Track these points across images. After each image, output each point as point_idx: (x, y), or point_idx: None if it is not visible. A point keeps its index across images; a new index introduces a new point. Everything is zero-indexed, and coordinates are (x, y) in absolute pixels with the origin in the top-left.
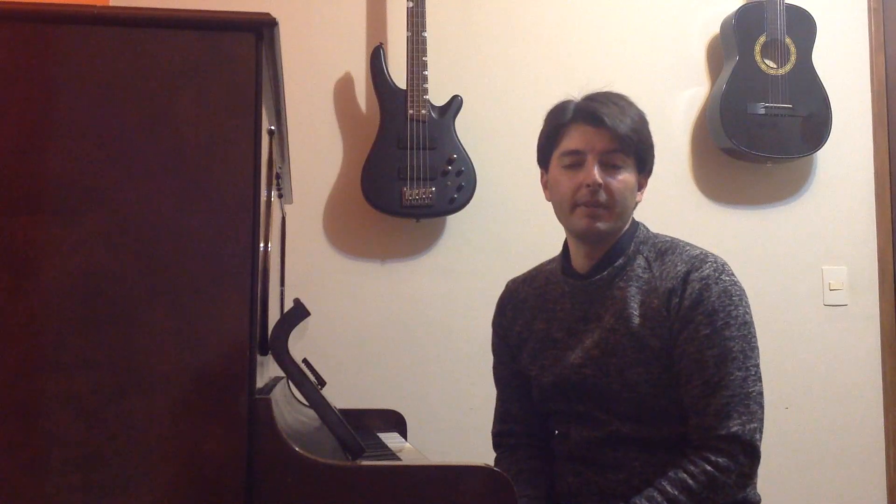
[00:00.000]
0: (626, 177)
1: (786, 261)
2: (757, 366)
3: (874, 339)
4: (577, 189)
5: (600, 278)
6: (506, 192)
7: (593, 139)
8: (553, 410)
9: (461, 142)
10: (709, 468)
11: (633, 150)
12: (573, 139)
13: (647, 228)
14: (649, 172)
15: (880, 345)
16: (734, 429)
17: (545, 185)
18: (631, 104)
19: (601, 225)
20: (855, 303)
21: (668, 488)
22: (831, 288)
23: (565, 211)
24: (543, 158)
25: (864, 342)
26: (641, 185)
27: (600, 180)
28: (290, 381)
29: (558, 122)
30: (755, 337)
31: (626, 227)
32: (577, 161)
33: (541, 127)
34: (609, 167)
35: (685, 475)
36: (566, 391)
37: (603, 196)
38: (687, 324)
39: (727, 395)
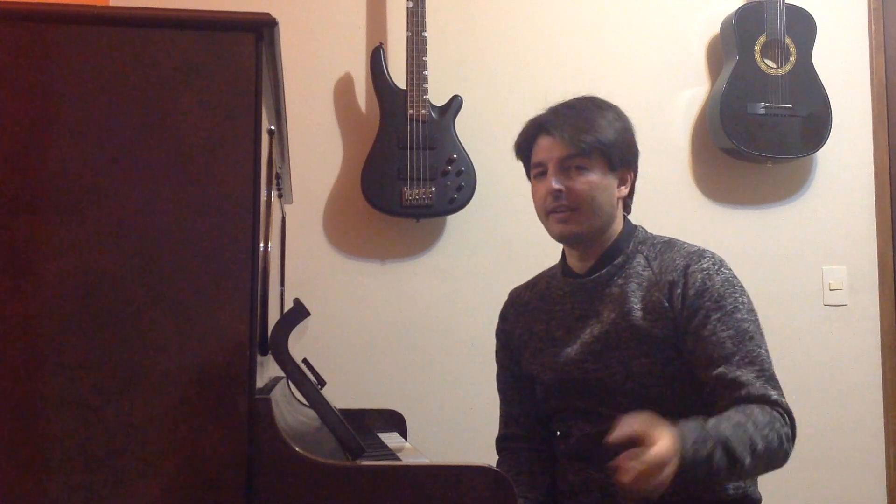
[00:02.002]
0: (591, 177)
1: (786, 261)
2: (767, 352)
3: (874, 339)
4: (545, 197)
5: (599, 276)
6: (506, 192)
7: (551, 149)
8: (555, 409)
9: (461, 142)
10: (776, 413)
11: (594, 151)
12: (537, 152)
13: (645, 230)
14: (628, 166)
15: (880, 345)
16: (773, 396)
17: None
18: (597, 107)
19: (573, 227)
20: (855, 303)
21: (760, 417)
22: (831, 288)
23: (542, 219)
24: (526, 173)
25: (864, 342)
26: (624, 181)
27: (558, 186)
28: (290, 381)
29: (524, 139)
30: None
31: (620, 226)
32: (542, 171)
33: None
34: (570, 171)
35: (776, 415)
36: (568, 387)
37: (566, 200)
38: (696, 311)
39: (756, 369)
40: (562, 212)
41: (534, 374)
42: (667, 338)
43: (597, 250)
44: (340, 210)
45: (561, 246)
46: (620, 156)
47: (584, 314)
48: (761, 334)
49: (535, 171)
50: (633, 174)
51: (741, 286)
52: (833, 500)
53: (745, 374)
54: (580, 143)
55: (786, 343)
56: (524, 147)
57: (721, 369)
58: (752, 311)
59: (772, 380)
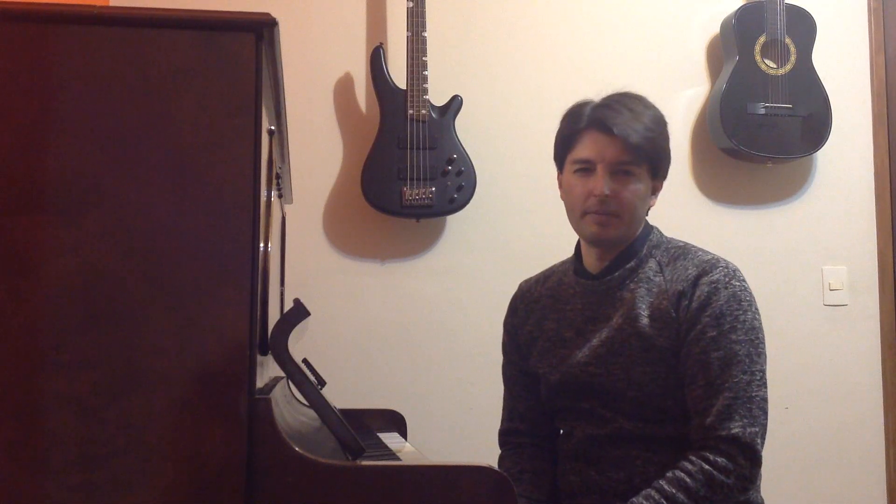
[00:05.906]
0: (638, 186)
1: (786, 261)
2: (763, 372)
3: (874, 339)
4: (587, 197)
5: (611, 279)
6: (506, 192)
7: (604, 148)
8: (559, 408)
9: (461, 142)
10: (706, 467)
11: (645, 159)
12: (585, 147)
13: (660, 233)
14: (664, 176)
15: (880, 345)
16: (735, 430)
17: (560, 185)
18: (647, 108)
19: (611, 232)
20: (855, 303)
21: (666, 487)
22: (831, 288)
23: (576, 216)
24: (558, 160)
25: (864, 342)
26: (656, 190)
27: (608, 192)
28: (290, 381)
29: (572, 128)
30: (763, 343)
31: (640, 230)
32: (586, 168)
33: (541, 127)
34: (620, 175)
35: (683, 474)
36: (572, 389)
37: (612, 206)
38: (694, 325)
39: (729, 396)
40: (603, 215)
41: (540, 373)
42: (671, 347)
43: (615, 252)
44: (340, 210)
45: (565, 243)
46: (665, 166)
47: (593, 316)
48: (757, 354)
49: (577, 165)
50: (661, 185)
51: (749, 300)
52: (833, 500)
53: (715, 403)
54: (639, 150)
55: (786, 343)
56: (569, 137)
57: (699, 392)
58: (752, 329)
59: (743, 407)
